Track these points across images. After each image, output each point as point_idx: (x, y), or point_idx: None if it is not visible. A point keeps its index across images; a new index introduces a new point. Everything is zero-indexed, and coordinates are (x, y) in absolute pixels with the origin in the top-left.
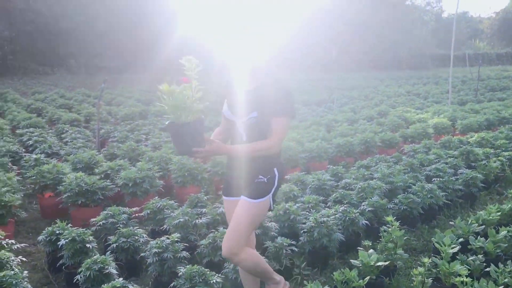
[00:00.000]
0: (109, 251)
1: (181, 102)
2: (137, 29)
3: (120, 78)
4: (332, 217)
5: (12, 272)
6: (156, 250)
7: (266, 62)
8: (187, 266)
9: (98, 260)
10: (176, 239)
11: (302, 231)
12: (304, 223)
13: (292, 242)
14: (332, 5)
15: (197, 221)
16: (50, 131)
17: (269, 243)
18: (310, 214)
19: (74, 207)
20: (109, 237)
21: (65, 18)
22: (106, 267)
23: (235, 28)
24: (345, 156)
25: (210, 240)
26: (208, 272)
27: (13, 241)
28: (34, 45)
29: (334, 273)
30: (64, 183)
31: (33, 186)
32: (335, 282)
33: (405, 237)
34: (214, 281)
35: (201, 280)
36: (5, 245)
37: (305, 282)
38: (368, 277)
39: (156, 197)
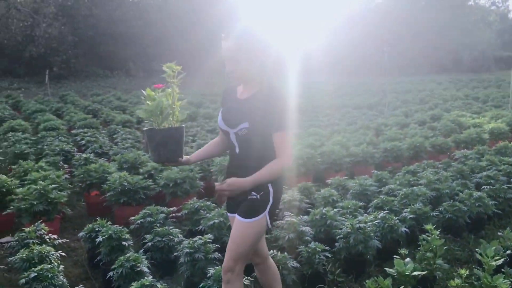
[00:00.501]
0: (144, 250)
1: (163, 108)
2: (191, 33)
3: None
4: (369, 223)
5: (49, 266)
6: (188, 250)
7: (262, 68)
8: (217, 267)
9: (131, 258)
10: (208, 240)
11: (337, 236)
12: (341, 229)
13: (326, 248)
14: (387, 6)
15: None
16: (103, 131)
17: (302, 248)
18: (347, 220)
19: (117, 206)
20: (146, 236)
21: (124, 23)
22: (138, 265)
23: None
24: (393, 161)
25: None
26: None
27: (55, 236)
28: (96, 49)
29: (367, 281)
30: (108, 182)
31: (80, 184)
32: None
33: (446, 247)
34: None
35: None
36: (47, 239)
37: None
38: (402, 287)
39: (195, 198)
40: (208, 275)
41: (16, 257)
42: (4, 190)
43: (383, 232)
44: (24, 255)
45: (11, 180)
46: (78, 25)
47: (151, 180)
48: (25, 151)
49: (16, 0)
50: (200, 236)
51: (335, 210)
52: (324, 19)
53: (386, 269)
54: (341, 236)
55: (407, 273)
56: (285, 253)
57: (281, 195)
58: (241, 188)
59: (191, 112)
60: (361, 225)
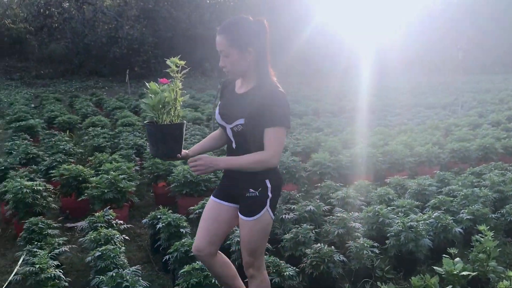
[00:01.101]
0: None
1: (166, 103)
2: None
3: None
4: (422, 222)
5: (112, 247)
6: (238, 239)
7: (256, 64)
8: (265, 257)
9: (186, 243)
10: None
11: (388, 234)
12: (393, 227)
13: (375, 244)
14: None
15: (284, 216)
16: None
17: (351, 243)
18: (399, 218)
19: (180, 196)
20: None
21: (201, 24)
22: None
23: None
24: (460, 162)
25: (292, 235)
26: (282, 264)
27: (121, 221)
28: (174, 50)
29: (413, 278)
30: (173, 174)
31: (149, 176)
32: (413, 287)
33: (499, 249)
34: (288, 273)
35: (274, 270)
36: (114, 224)
37: (378, 283)
38: (450, 286)
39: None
40: None
41: (85, 238)
42: (80, 179)
43: (436, 231)
44: (92, 236)
45: (87, 170)
46: (158, 26)
47: (212, 174)
48: (102, 144)
49: (102, 4)
50: None
51: (388, 208)
52: (400, 15)
53: (434, 267)
54: (392, 233)
55: (455, 273)
56: (332, 247)
57: (280, 189)
58: (214, 166)
59: None
60: (413, 223)
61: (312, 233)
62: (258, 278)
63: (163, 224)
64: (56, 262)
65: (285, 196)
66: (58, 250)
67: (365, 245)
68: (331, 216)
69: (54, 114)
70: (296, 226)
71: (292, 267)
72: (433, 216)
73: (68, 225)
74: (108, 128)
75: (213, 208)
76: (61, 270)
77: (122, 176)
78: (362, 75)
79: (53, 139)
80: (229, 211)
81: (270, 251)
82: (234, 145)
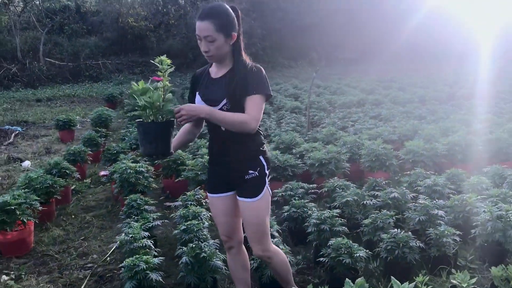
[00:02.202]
0: (282, 219)
1: (155, 101)
2: (373, 22)
3: (356, 69)
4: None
5: (196, 222)
6: (315, 221)
7: (235, 47)
8: (338, 238)
9: None
10: (335, 214)
11: (474, 223)
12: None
13: (456, 232)
14: None
15: (366, 202)
16: (273, 116)
17: (431, 230)
18: (487, 206)
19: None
20: (284, 207)
21: (309, 14)
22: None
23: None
24: None
25: (371, 220)
26: (355, 246)
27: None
28: (282, 41)
29: (493, 267)
30: None
31: None
32: (493, 277)
33: None
34: (358, 255)
35: (346, 252)
36: (203, 203)
37: (453, 270)
38: None
39: (335, 178)
40: (329, 243)
41: (176, 214)
42: (179, 162)
43: None
44: (182, 213)
45: (186, 154)
46: (267, 18)
47: (300, 160)
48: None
49: (214, 0)
50: (329, 210)
51: (479, 197)
52: None
53: None
54: (479, 223)
55: None
56: (409, 233)
57: (270, 162)
58: (197, 113)
59: (359, 99)
60: (502, 212)
61: (392, 219)
62: (273, 256)
63: None
64: (147, 233)
65: (371, 183)
66: (151, 224)
67: (446, 232)
68: (414, 203)
69: None
70: (376, 211)
71: (364, 249)
72: None
73: (167, 203)
74: None
75: (216, 204)
76: (152, 241)
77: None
78: (479, 60)
79: None
80: (232, 199)
81: (345, 234)
82: (224, 128)
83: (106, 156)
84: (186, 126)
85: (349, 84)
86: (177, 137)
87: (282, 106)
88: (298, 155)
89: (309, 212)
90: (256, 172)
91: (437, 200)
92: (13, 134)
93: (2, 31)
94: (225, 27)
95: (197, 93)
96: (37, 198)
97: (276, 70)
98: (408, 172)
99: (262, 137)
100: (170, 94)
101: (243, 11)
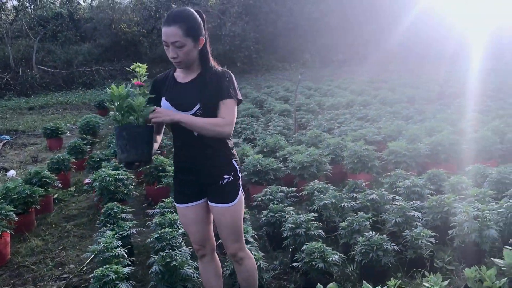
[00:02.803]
0: (260, 224)
1: (139, 105)
2: (366, 22)
3: (349, 70)
4: (488, 211)
5: (170, 229)
6: (291, 226)
7: (203, 52)
8: (313, 243)
9: None
10: (310, 218)
11: (451, 224)
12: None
13: (433, 234)
14: None
15: (344, 204)
16: (262, 119)
17: (407, 232)
18: (463, 206)
19: (250, 185)
20: (262, 211)
21: (302, 16)
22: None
23: None
24: None
25: (347, 223)
26: (328, 250)
27: None
28: (275, 44)
29: (466, 269)
30: (244, 164)
31: None
32: (466, 279)
33: None
34: (331, 259)
35: (319, 256)
36: None
37: (427, 273)
38: (505, 279)
39: (316, 181)
40: (302, 248)
41: (152, 222)
42: (160, 168)
43: (506, 222)
44: (157, 220)
45: (168, 160)
46: (260, 21)
47: (283, 163)
48: None
49: (207, 3)
50: (306, 214)
51: (458, 197)
52: None
53: (494, 259)
54: (456, 223)
55: None
56: (384, 235)
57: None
58: (170, 116)
59: (348, 101)
60: (478, 213)
61: (369, 221)
62: (246, 257)
63: None
64: (119, 242)
65: (351, 185)
66: (127, 232)
67: (422, 234)
68: (391, 205)
69: None
70: (353, 214)
71: (338, 253)
72: (504, 206)
73: (148, 211)
74: None
75: (186, 214)
76: (125, 250)
77: None
78: (470, 59)
79: None
80: (203, 207)
81: (322, 238)
82: (196, 133)
83: (90, 164)
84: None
85: (340, 86)
86: None
87: (272, 109)
88: (281, 158)
89: (287, 216)
90: (231, 176)
91: (415, 201)
92: (1, 144)
93: None
94: (193, 31)
95: (163, 98)
96: (13, 209)
97: (270, 73)
98: (389, 173)
99: (232, 141)
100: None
101: (235, 15)
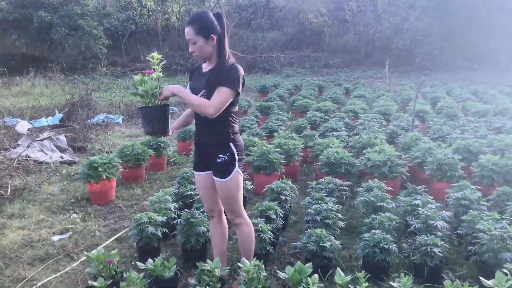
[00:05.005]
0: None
1: (150, 89)
2: None
3: None
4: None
5: None
6: (312, 211)
7: (217, 48)
8: (317, 230)
9: None
10: (333, 208)
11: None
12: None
13: (441, 244)
14: None
15: (381, 204)
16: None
17: (420, 238)
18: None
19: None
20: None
21: (500, 12)
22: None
23: None
24: None
25: (370, 220)
26: (327, 237)
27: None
28: (465, 42)
29: (444, 281)
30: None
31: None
32: None
33: None
34: (325, 244)
35: (315, 240)
36: None
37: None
38: None
39: (375, 180)
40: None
41: None
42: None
43: None
44: None
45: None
46: (450, 17)
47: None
48: (302, 125)
49: None
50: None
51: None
52: None
53: (481, 278)
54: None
55: None
56: (388, 235)
57: (243, 150)
58: (171, 89)
59: (502, 108)
60: (502, 233)
61: (394, 223)
62: (243, 223)
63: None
64: (170, 198)
65: (410, 189)
66: (188, 192)
67: (429, 242)
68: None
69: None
70: (380, 214)
71: (333, 241)
72: None
73: None
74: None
75: (198, 180)
76: (175, 205)
77: (275, 150)
78: None
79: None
80: (209, 177)
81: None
82: (203, 116)
83: None
84: (188, 110)
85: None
86: (178, 119)
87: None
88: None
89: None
90: (226, 157)
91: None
92: None
93: None
94: (204, 30)
95: (189, 82)
96: (119, 161)
97: (454, 72)
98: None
99: (236, 127)
100: (166, 83)
101: (421, 9)
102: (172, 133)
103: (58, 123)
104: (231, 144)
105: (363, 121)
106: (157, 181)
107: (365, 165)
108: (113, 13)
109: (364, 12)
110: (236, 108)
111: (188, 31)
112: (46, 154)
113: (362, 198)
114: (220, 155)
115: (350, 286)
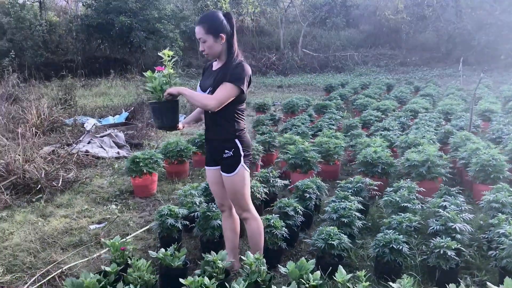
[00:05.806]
0: None
1: (160, 85)
2: None
3: None
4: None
5: None
6: (330, 210)
7: (227, 47)
8: (328, 227)
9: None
10: (352, 207)
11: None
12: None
13: (455, 247)
14: None
15: (405, 204)
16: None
17: (436, 240)
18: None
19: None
20: None
21: None
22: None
23: None
24: None
25: (389, 220)
26: (337, 235)
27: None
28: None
29: (451, 284)
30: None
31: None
32: None
33: None
34: (334, 243)
35: (324, 238)
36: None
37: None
38: None
39: (408, 180)
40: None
41: None
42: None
43: None
44: None
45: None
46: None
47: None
48: (354, 124)
49: None
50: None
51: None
52: None
53: (489, 284)
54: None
55: None
56: (400, 236)
57: (250, 146)
58: (178, 90)
59: None
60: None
61: (414, 223)
62: (250, 218)
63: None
64: (196, 192)
65: (443, 191)
66: None
67: (443, 244)
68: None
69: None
70: (400, 214)
71: (344, 240)
72: None
73: None
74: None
75: (208, 175)
76: (201, 199)
77: (309, 148)
78: None
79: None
80: (218, 172)
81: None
82: (210, 112)
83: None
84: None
85: None
86: (191, 114)
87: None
88: None
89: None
90: (231, 153)
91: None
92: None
93: (272, 24)
94: (213, 29)
95: (199, 81)
96: (161, 157)
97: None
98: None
99: (242, 124)
100: (177, 79)
101: (509, 1)
102: (183, 127)
103: (124, 121)
104: (236, 140)
105: (419, 120)
106: (200, 177)
107: (403, 165)
108: (190, 16)
109: (444, 8)
110: (243, 106)
111: (198, 30)
112: (104, 149)
113: (387, 198)
114: (226, 151)
115: (349, 285)
